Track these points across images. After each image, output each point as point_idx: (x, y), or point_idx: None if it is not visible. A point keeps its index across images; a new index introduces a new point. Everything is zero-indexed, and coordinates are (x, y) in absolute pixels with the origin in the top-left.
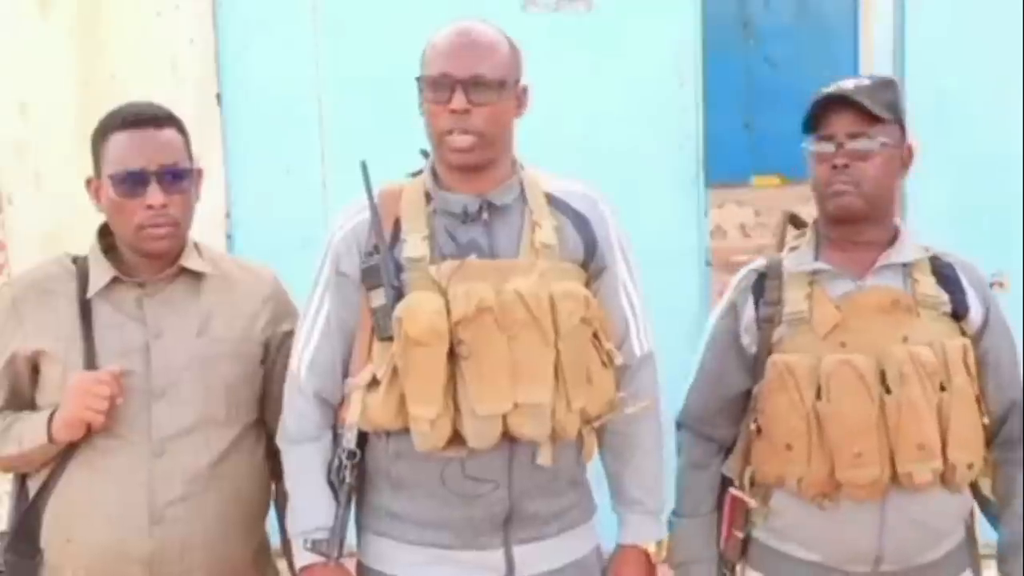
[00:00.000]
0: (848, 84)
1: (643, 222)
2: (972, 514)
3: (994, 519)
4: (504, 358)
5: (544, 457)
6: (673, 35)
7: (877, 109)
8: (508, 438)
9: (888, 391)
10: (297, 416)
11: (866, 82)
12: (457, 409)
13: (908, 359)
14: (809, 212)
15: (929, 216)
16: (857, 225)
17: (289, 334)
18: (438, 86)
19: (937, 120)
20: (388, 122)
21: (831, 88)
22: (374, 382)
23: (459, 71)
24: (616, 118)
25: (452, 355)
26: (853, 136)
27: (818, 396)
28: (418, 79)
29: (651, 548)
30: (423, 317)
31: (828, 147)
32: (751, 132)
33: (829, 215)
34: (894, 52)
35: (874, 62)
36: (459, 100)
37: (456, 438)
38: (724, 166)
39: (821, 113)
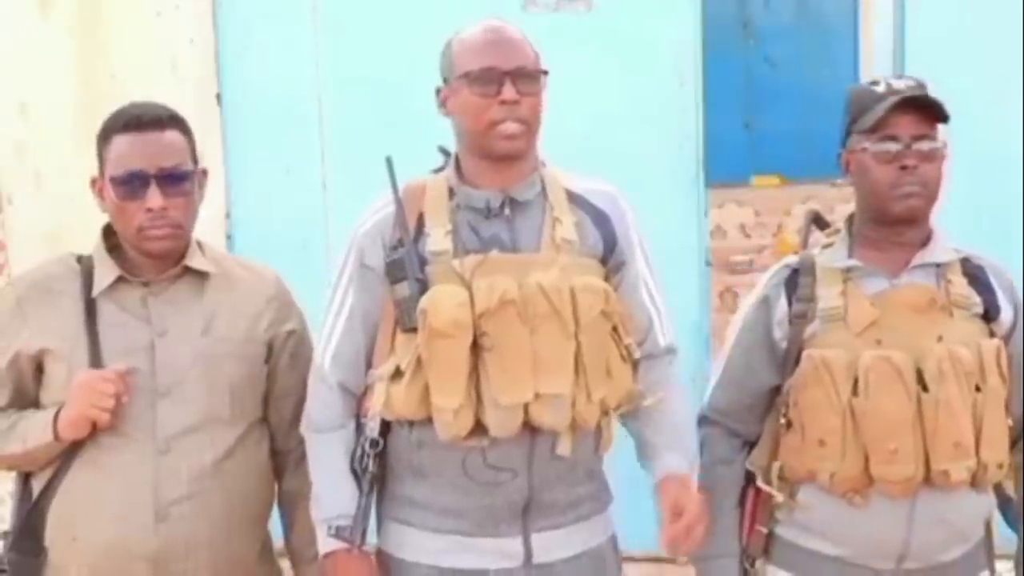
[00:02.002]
0: (901, 84)
1: (643, 222)
2: (991, 514)
3: (1012, 520)
4: (526, 349)
5: (564, 447)
6: (673, 35)
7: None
8: (529, 428)
9: (925, 389)
10: (321, 406)
11: (912, 82)
12: (479, 399)
13: (947, 357)
14: (806, 211)
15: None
16: (905, 226)
17: (292, 333)
18: (485, 80)
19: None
20: (388, 122)
21: (889, 88)
22: (398, 373)
23: (504, 63)
24: (616, 118)
25: (475, 346)
26: (918, 138)
27: (854, 392)
28: (461, 78)
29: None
30: (447, 309)
31: (895, 147)
32: (751, 132)
33: (892, 217)
34: (894, 52)
35: (874, 62)
36: (509, 91)
37: (478, 427)
38: (724, 166)
39: (885, 114)
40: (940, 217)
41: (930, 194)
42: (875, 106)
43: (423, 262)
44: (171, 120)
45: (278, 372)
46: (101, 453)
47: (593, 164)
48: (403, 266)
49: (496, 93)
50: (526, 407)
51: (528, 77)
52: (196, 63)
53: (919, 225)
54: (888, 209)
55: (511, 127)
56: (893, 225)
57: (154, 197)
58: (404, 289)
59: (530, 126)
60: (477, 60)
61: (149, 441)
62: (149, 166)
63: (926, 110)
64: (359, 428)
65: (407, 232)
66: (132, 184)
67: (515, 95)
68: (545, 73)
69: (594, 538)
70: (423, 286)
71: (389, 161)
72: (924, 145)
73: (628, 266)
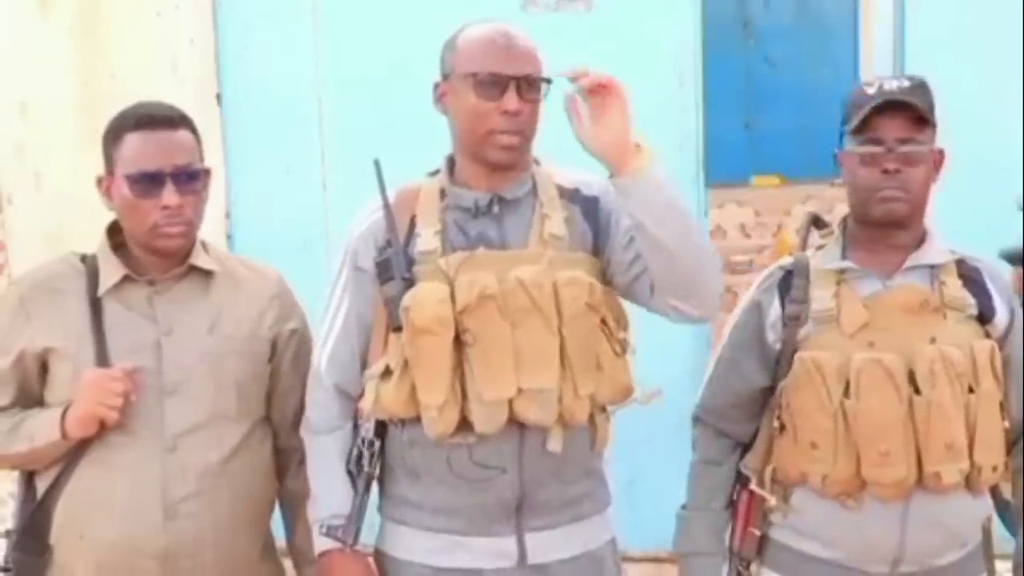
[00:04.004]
0: (892, 85)
1: None
2: (989, 518)
3: (1010, 523)
4: (507, 344)
5: (554, 443)
6: (673, 35)
7: (928, 113)
8: (518, 424)
9: (917, 391)
10: (318, 408)
11: (907, 83)
12: (465, 396)
13: (939, 359)
14: (806, 212)
15: (928, 216)
16: (890, 228)
17: (294, 332)
18: (489, 85)
19: (937, 120)
20: (388, 122)
21: (879, 90)
22: (387, 372)
23: (511, 70)
24: None
25: (459, 343)
26: (903, 141)
27: (846, 394)
28: (465, 77)
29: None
30: (428, 306)
31: (877, 150)
32: (751, 132)
33: (874, 219)
34: (894, 52)
35: (874, 62)
36: (512, 100)
37: (465, 424)
38: (724, 166)
39: (870, 115)
40: (940, 217)
41: (913, 198)
42: (862, 107)
43: (412, 262)
44: (182, 119)
45: (281, 371)
46: (108, 451)
47: (593, 164)
48: (391, 266)
49: (498, 100)
50: (511, 403)
51: (533, 86)
52: (196, 63)
53: (906, 227)
54: (870, 212)
55: (507, 139)
56: (877, 227)
57: (170, 195)
58: (392, 289)
59: (527, 136)
60: (483, 63)
61: (157, 439)
62: (165, 164)
63: (912, 112)
64: (356, 429)
65: (395, 233)
66: (148, 182)
67: (517, 105)
68: (548, 82)
69: (591, 540)
70: (410, 285)
71: (377, 164)
72: (908, 148)
73: (619, 226)
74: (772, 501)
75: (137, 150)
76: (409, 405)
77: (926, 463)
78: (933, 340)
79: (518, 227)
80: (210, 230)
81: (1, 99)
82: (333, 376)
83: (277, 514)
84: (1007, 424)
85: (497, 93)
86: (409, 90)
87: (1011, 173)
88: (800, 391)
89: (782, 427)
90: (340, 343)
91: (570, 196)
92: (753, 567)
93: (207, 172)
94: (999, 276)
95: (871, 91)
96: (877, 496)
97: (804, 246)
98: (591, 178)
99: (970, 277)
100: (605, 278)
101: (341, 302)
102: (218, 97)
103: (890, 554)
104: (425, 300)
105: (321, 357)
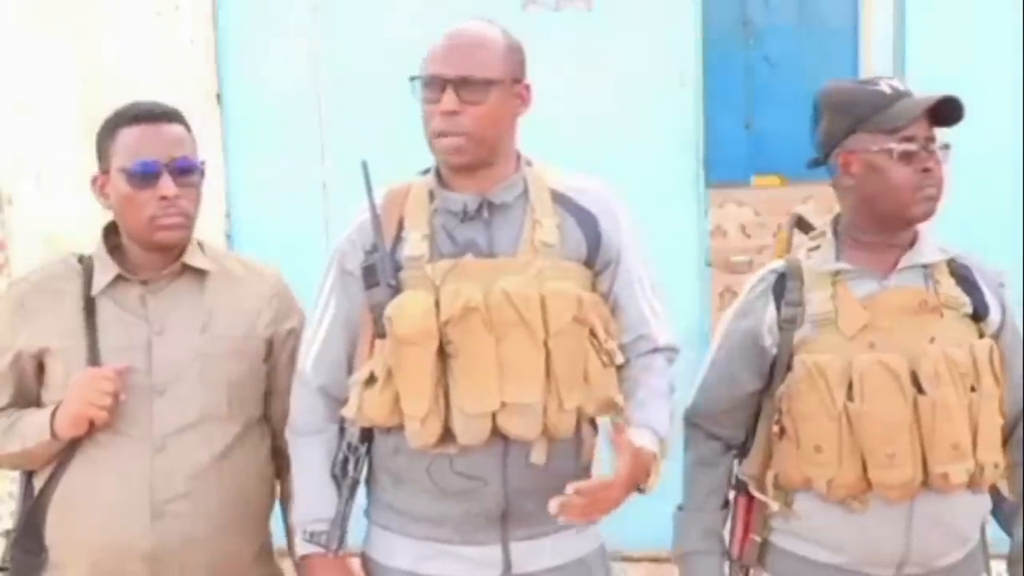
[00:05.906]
0: (902, 86)
1: (643, 222)
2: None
3: (1004, 520)
4: (491, 357)
5: (537, 456)
6: (673, 35)
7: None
8: (502, 436)
9: (921, 391)
10: (303, 409)
11: (902, 83)
12: (448, 407)
13: (942, 359)
14: (790, 215)
15: None
16: (904, 228)
17: (292, 332)
18: (429, 87)
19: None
20: (388, 122)
21: (897, 90)
22: (372, 379)
23: (448, 71)
24: (616, 118)
25: (443, 354)
26: (930, 139)
27: (849, 397)
28: (410, 80)
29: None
30: (412, 317)
31: (912, 148)
32: (751, 132)
33: (911, 218)
34: (894, 52)
35: (874, 62)
36: (449, 101)
37: (448, 435)
38: (724, 166)
39: (919, 115)
40: (939, 218)
41: (941, 196)
42: (892, 106)
43: (398, 267)
44: (175, 114)
45: (278, 370)
46: (98, 450)
47: (593, 164)
48: (376, 272)
49: (438, 101)
50: (494, 416)
51: (473, 86)
52: (196, 63)
53: (913, 226)
54: (908, 211)
55: (448, 141)
56: (903, 227)
57: (167, 185)
58: (377, 295)
59: (474, 137)
60: (428, 66)
61: (146, 439)
62: (161, 156)
63: (929, 112)
64: (343, 433)
65: (381, 236)
66: (145, 173)
67: (453, 105)
68: (490, 83)
69: (579, 548)
70: (395, 292)
71: (364, 165)
72: (936, 147)
73: (619, 265)
74: (774, 507)
75: (133, 143)
76: (392, 414)
77: (932, 464)
78: (932, 340)
79: (508, 233)
80: (210, 230)
81: (1, 99)
82: (319, 378)
83: (277, 513)
84: (1000, 420)
85: (436, 95)
86: (409, 90)
87: (1011, 173)
88: (802, 395)
89: (782, 431)
90: (326, 346)
91: (563, 201)
92: (753, 573)
93: (202, 166)
94: (988, 273)
95: (887, 90)
96: (883, 498)
97: (789, 248)
98: (587, 185)
99: (962, 275)
100: (595, 288)
101: (328, 305)
102: (218, 97)
103: (896, 556)
104: (409, 310)
105: (307, 359)
